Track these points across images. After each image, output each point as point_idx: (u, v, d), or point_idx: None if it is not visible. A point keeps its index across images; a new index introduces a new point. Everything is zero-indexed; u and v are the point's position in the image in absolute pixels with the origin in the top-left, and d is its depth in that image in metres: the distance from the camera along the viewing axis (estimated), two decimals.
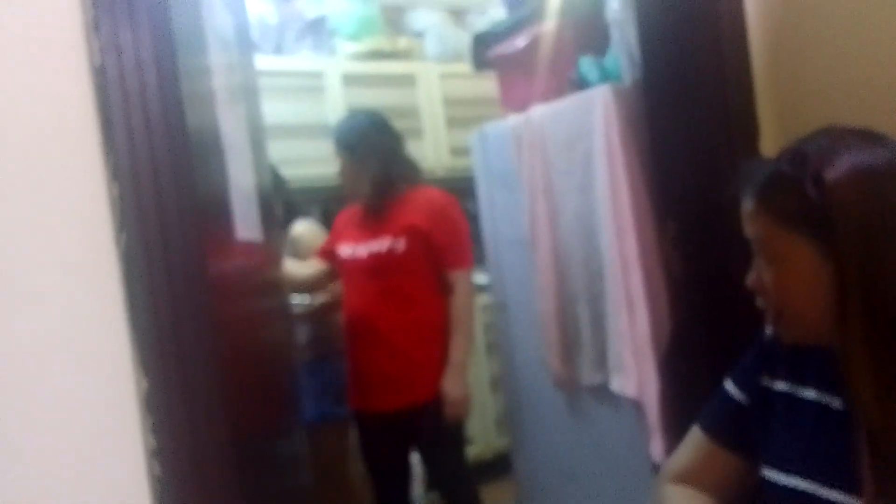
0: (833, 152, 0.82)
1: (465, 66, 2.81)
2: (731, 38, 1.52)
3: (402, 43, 3.61)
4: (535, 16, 2.25)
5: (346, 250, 2.26)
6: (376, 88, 3.44)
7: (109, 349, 0.94)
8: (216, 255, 1.10)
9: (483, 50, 2.52)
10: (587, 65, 2.05)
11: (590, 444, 2.19)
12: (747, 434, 0.99)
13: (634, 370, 1.90)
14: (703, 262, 1.63)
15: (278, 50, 3.35)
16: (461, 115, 3.57)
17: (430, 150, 3.56)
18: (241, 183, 1.46)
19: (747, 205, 0.89)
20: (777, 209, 0.85)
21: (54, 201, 0.92)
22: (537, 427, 2.45)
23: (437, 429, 2.21)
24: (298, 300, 2.46)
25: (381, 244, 2.17)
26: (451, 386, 2.17)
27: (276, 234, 1.92)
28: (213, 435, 0.93)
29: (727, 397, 1.03)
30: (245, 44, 1.77)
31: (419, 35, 3.77)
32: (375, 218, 2.22)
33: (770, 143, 1.54)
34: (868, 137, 0.85)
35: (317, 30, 3.41)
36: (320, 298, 2.47)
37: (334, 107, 3.30)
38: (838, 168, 0.80)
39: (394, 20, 3.78)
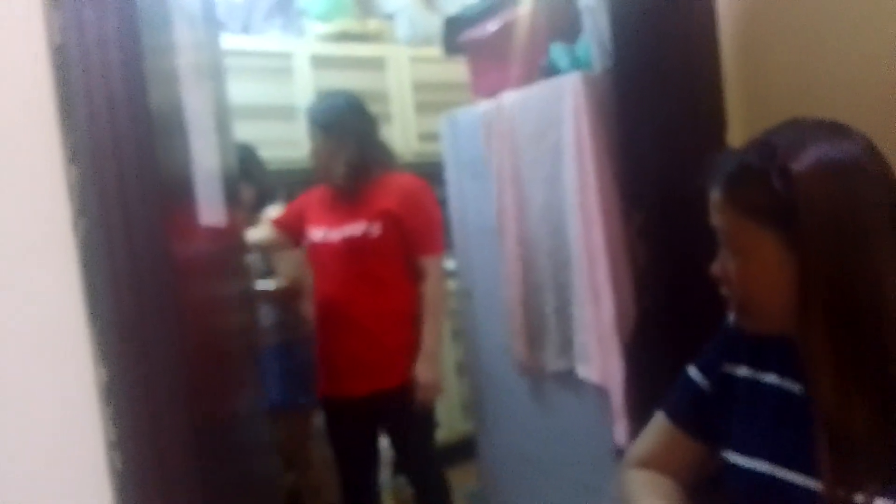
0: (800, 144, 0.83)
1: (436, 51, 2.79)
2: (701, 28, 1.53)
3: (373, 25, 3.56)
4: (508, 1, 2.24)
5: (316, 234, 2.23)
6: (345, 71, 3.39)
7: (67, 339, 0.91)
8: (180, 240, 1.07)
9: (454, 34, 2.49)
10: (558, 52, 2.04)
11: (554, 430, 2.21)
12: (710, 419, 1.01)
13: (599, 357, 1.92)
14: (668, 252, 1.65)
15: (246, 29, 3.28)
16: (431, 100, 3.54)
17: (399, 135, 3.54)
18: (206, 165, 1.42)
19: (714, 195, 0.89)
20: (743, 200, 0.86)
21: (8, 185, 0.89)
22: (502, 412, 2.46)
23: (407, 414, 2.22)
24: (262, 285, 2.43)
25: (354, 228, 2.16)
26: (423, 371, 2.17)
27: (240, 218, 1.89)
28: (175, 426, 0.91)
29: (690, 383, 1.05)
30: (211, 22, 1.73)
31: (390, 17, 3.73)
32: (348, 202, 2.19)
33: (737, 134, 1.56)
34: (835, 130, 0.86)
35: (285, 10, 3.35)
36: (282, 282, 2.45)
37: (303, 89, 3.25)
38: (804, 160, 0.81)
39: (364, 2, 3.73)
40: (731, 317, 1.00)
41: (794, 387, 0.91)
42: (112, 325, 0.90)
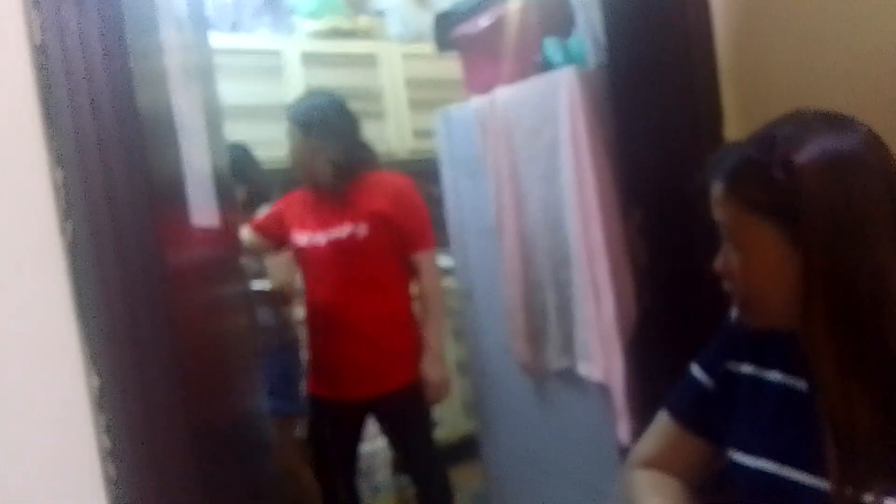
0: (802, 137, 0.82)
1: (428, 47, 2.76)
2: (696, 22, 1.51)
3: (363, 22, 3.54)
4: None
5: (301, 238, 2.20)
6: (337, 68, 3.37)
7: (57, 346, 0.90)
8: (171, 243, 1.05)
9: (446, 30, 2.47)
10: (552, 47, 2.02)
11: (557, 429, 2.20)
12: (714, 418, 1.00)
13: (601, 355, 1.91)
14: (669, 249, 1.63)
15: (235, 28, 3.26)
16: (424, 96, 3.52)
17: (393, 133, 3.52)
18: (197, 166, 1.40)
19: (716, 190, 0.88)
20: (745, 194, 0.84)
21: None
22: (504, 412, 2.45)
23: (407, 414, 2.20)
24: (258, 285, 2.41)
25: (341, 231, 2.13)
26: (431, 370, 2.16)
27: (235, 218, 1.87)
28: (170, 432, 0.89)
29: (694, 382, 1.04)
30: (199, 21, 1.71)
31: (381, 14, 3.71)
32: (332, 204, 2.16)
33: (734, 129, 1.55)
34: (837, 122, 0.85)
35: (275, 7, 3.32)
36: (266, 284, 2.42)
37: (293, 87, 3.22)
38: (807, 153, 0.80)
39: None
40: (734, 313, 0.99)
41: (799, 384, 0.90)
42: (103, 330, 0.88)
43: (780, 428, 0.91)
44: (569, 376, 2.08)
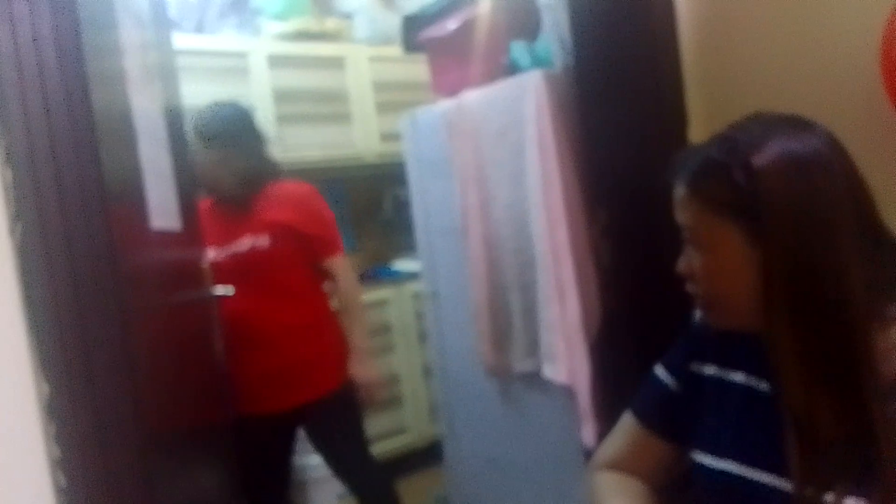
0: (762, 139, 0.82)
1: (396, 49, 2.75)
2: (661, 25, 1.53)
3: (331, 24, 3.51)
4: None
5: (209, 253, 2.14)
6: (303, 70, 3.33)
7: (5, 352, 0.86)
8: (126, 246, 1.02)
9: (413, 32, 2.47)
10: (519, 50, 2.03)
11: (522, 431, 2.20)
12: (678, 419, 1.00)
13: (566, 357, 1.91)
14: (633, 250, 1.64)
15: (200, 28, 3.20)
16: (392, 99, 3.50)
17: (360, 136, 3.49)
18: (158, 167, 1.37)
19: (678, 191, 0.89)
20: (707, 195, 0.85)
21: None
22: (469, 415, 2.44)
23: (339, 422, 2.17)
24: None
25: (240, 245, 2.08)
26: (360, 371, 2.14)
27: (196, 220, 1.83)
28: (123, 443, 0.86)
29: (658, 383, 1.04)
30: (161, 20, 1.67)
31: (348, 16, 3.68)
32: (234, 217, 2.11)
33: (698, 131, 1.56)
34: (797, 124, 0.86)
35: (240, 8, 3.28)
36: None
37: (260, 89, 3.18)
38: (767, 154, 0.81)
39: (322, 1, 3.67)
40: (698, 315, 0.99)
41: (762, 385, 0.91)
42: (53, 336, 0.85)
43: (743, 429, 0.91)
44: (534, 379, 2.08)
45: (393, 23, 3.29)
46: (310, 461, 2.70)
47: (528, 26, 2.06)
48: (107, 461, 0.86)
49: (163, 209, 1.35)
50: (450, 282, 2.41)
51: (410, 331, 3.39)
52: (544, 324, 1.98)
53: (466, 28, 2.19)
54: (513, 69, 2.03)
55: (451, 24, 2.25)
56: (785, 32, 1.43)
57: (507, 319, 2.14)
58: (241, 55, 3.16)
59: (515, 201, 2.02)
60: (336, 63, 3.44)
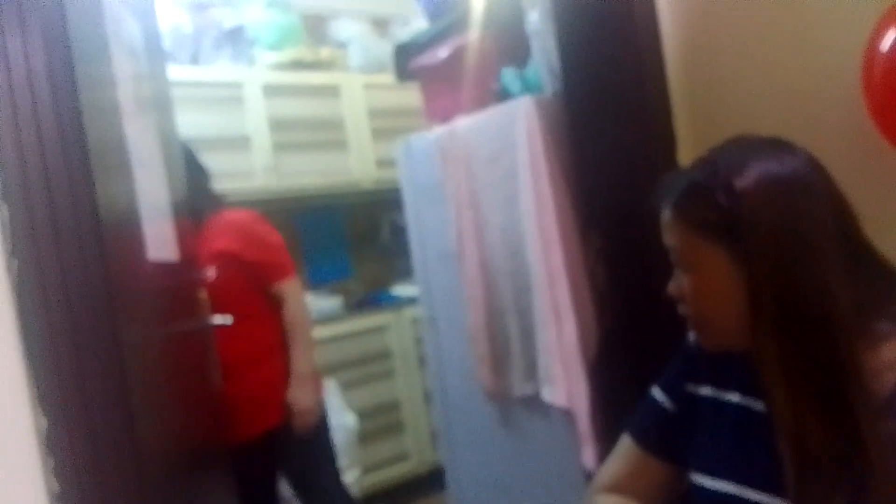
0: (743, 161, 0.84)
1: (389, 77, 2.79)
2: (647, 50, 1.55)
3: (325, 53, 3.55)
4: (457, 26, 2.25)
5: None
6: (299, 99, 3.37)
7: (4, 386, 0.86)
8: (123, 278, 1.03)
9: (405, 60, 2.50)
10: (509, 76, 2.05)
11: (523, 455, 2.19)
12: (675, 440, 1.00)
13: (564, 380, 1.91)
14: (628, 272, 1.65)
15: (195, 59, 3.24)
16: (386, 126, 3.53)
17: (356, 162, 3.52)
18: (153, 199, 1.38)
19: (665, 215, 0.90)
20: (692, 217, 0.87)
21: None
22: (470, 440, 2.43)
23: (301, 450, 2.14)
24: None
25: None
26: (296, 396, 2.11)
27: (195, 251, 1.84)
28: (122, 475, 0.86)
29: (654, 405, 1.04)
30: (156, 53, 1.69)
31: (342, 45, 3.72)
32: None
33: (687, 153, 1.58)
34: (777, 146, 0.88)
35: (235, 39, 3.31)
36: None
37: (255, 118, 3.22)
38: (747, 177, 0.83)
39: (315, 30, 3.71)
40: (692, 336, 1.00)
41: (757, 405, 0.91)
42: (49, 370, 0.85)
43: (740, 449, 0.91)
44: (533, 402, 2.08)
45: (386, 51, 3.34)
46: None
47: (517, 53, 2.09)
48: (104, 495, 0.85)
49: (160, 240, 1.36)
50: (447, 306, 2.41)
51: (410, 356, 3.38)
52: (542, 346, 1.98)
53: (457, 55, 2.22)
54: (504, 95, 2.06)
55: (443, 52, 2.28)
56: (769, 55, 1.45)
57: (505, 343, 2.14)
58: (237, 85, 3.20)
59: (510, 225, 2.03)
60: (331, 91, 3.47)
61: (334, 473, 2.28)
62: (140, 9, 1.52)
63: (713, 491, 0.91)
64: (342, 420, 2.94)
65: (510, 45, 2.11)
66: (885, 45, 1.17)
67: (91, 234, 0.86)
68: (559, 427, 2.00)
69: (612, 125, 1.62)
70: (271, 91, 3.27)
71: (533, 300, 1.99)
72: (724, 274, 0.85)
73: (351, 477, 2.93)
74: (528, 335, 2.04)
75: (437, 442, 2.93)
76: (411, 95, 2.72)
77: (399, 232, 3.20)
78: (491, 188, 2.09)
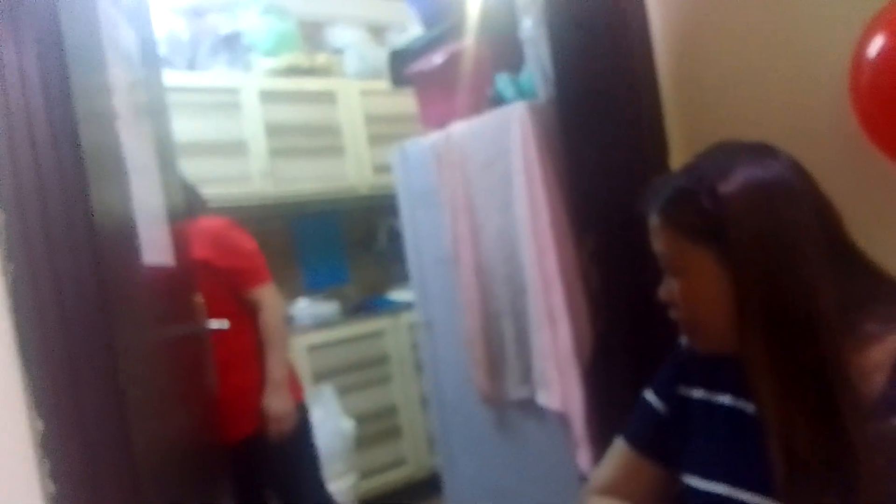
0: (727, 167, 0.86)
1: (385, 83, 2.80)
2: (638, 56, 1.57)
3: (321, 59, 3.56)
4: (452, 33, 2.26)
5: None
6: (295, 105, 3.38)
7: (1, 389, 0.87)
8: (118, 282, 1.03)
9: (401, 67, 2.51)
10: (503, 82, 2.07)
11: (518, 459, 2.19)
12: (668, 443, 1.00)
13: (558, 383, 1.91)
14: (622, 275, 1.66)
15: (191, 66, 3.25)
16: (383, 131, 3.54)
17: (353, 168, 3.53)
18: (149, 204, 1.39)
19: (653, 221, 0.92)
20: (678, 223, 0.88)
21: None
22: (467, 444, 2.43)
23: (279, 456, 2.13)
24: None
25: None
26: (271, 402, 2.10)
27: (189, 256, 1.84)
28: (116, 477, 0.86)
29: (647, 408, 1.04)
30: (151, 59, 1.70)
31: (338, 52, 3.74)
32: None
33: (679, 158, 1.59)
34: (760, 151, 0.89)
35: (232, 45, 3.33)
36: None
37: (252, 124, 3.22)
38: (732, 182, 0.84)
39: (312, 36, 3.73)
40: (683, 339, 1.01)
41: (749, 407, 0.91)
42: (44, 373, 0.86)
43: (732, 451, 0.92)
44: (529, 406, 2.08)
45: (382, 57, 3.35)
46: None
47: (511, 59, 2.10)
48: (99, 496, 0.86)
49: (155, 245, 1.36)
50: (443, 311, 2.42)
51: (407, 361, 3.38)
52: (536, 350, 1.99)
53: (452, 62, 2.24)
54: (498, 101, 2.07)
55: (438, 59, 2.29)
56: (759, 62, 1.47)
57: (501, 347, 2.14)
58: (233, 91, 3.21)
59: (505, 229, 2.04)
60: (328, 97, 3.48)
61: (316, 481, 2.27)
62: (135, 15, 1.53)
63: (706, 493, 0.92)
64: (339, 425, 2.94)
65: (504, 51, 2.13)
66: (873, 51, 1.18)
67: (85, 238, 0.87)
68: (554, 430, 2.01)
69: (606, 130, 1.63)
70: (268, 97, 3.28)
71: (528, 304, 1.99)
72: (711, 278, 0.86)
73: (348, 482, 2.93)
74: (523, 339, 2.05)
75: (434, 446, 2.93)
76: (407, 101, 2.73)
77: (395, 237, 3.21)
78: (486, 193, 2.10)
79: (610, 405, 1.75)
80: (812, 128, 1.36)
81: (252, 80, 3.30)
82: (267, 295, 2.17)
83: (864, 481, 0.77)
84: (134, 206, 1.24)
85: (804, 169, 0.88)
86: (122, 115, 1.26)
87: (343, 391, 3.10)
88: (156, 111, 1.64)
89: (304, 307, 3.32)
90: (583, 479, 1.87)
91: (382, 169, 3.37)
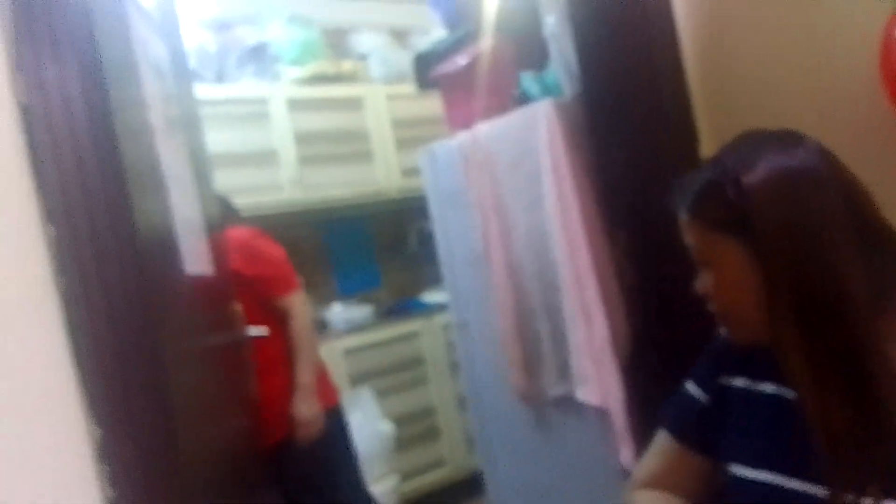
0: (751, 157, 0.86)
1: (411, 87, 2.82)
2: (664, 48, 1.56)
3: (347, 66, 3.60)
4: (475, 34, 2.27)
5: None
6: (323, 112, 3.42)
7: (58, 398, 0.90)
8: (163, 293, 1.06)
9: (425, 70, 2.53)
10: (528, 80, 2.07)
11: (559, 456, 2.19)
12: (712, 433, 1.00)
13: (597, 378, 1.91)
14: (656, 268, 1.65)
15: (220, 78, 3.31)
16: (410, 135, 3.57)
17: (381, 172, 3.55)
18: (187, 215, 1.42)
19: (682, 216, 0.92)
20: (706, 216, 0.89)
21: None
22: (506, 443, 2.43)
23: (310, 461, 2.15)
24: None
25: None
26: (300, 408, 2.13)
27: (226, 265, 1.88)
28: (166, 481, 0.89)
29: (689, 398, 1.04)
30: (183, 73, 1.74)
31: (363, 57, 3.77)
32: None
33: (709, 148, 1.58)
34: (785, 139, 0.89)
35: (259, 56, 3.38)
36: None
37: (281, 133, 3.27)
38: (756, 172, 0.84)
39: (336, 44, 3.77)
40: (723, 330, 1.00)
41: (791, 394, 0.91)
42: (98, 381, 0.89)
43: (776, 438, 0.92)
44: (568, 403, 2.08)
45: (406, 61, 3.37)
46: None
47: (535, 57, 2.11)
48: (152, 500, 0.88)
49: (195, 254, 1.39)
50: (477, 311, 2.42)
51: (442, 362, 3.40)
52: (573, 347, 1.98)
53: (476, 62, 2.24)
54: (523, 99, 2.07)
55: (462, 60, 2.30)
56: (785, 48, 1.46)
57: (536, 344, 2.14)
58: (262, 101, 3.26)
59: (535, 227, 2.04)
60: (355, 103, 3.52)
61: (354, 483, 2.28)
62: (166, 30, 1.56)
63: (752, 481, 0.91)
64: (378, 428, 2.96)
65: (528, 49, 2.13)
66: None
67: (131, 251, 0.90)
68: (594, 426, 2.00)
69: (633, 124, 1.63)
70: (296, 105, 3.33)
71: (562, 301, 1.99)
72: (741, 268, 0.86)
73: (390, 484, 2.94)
74: (558, 336, 2.05)
75: (473, 447, 2.94)
76: (433, 104, 2.75)
77: (426, 239, 3.23)
78: (515, 192, 2.10)
79: (650, 398, 1.73)
80: (843, 112, 1.35)
81: (279, 89, 3.35)
82: (296, 302, 2.20)
83: None
84: (174, 218, 1.27)
85: (832, 154, 0.87)
86: (158, 128, 1.29)
87: (380, 394, 3.13)
88: (189, 123, 1.68)
89: (339, 312, 3.36)
90: (625, 473, 1.86)
91: (411, 172, 3.39)
